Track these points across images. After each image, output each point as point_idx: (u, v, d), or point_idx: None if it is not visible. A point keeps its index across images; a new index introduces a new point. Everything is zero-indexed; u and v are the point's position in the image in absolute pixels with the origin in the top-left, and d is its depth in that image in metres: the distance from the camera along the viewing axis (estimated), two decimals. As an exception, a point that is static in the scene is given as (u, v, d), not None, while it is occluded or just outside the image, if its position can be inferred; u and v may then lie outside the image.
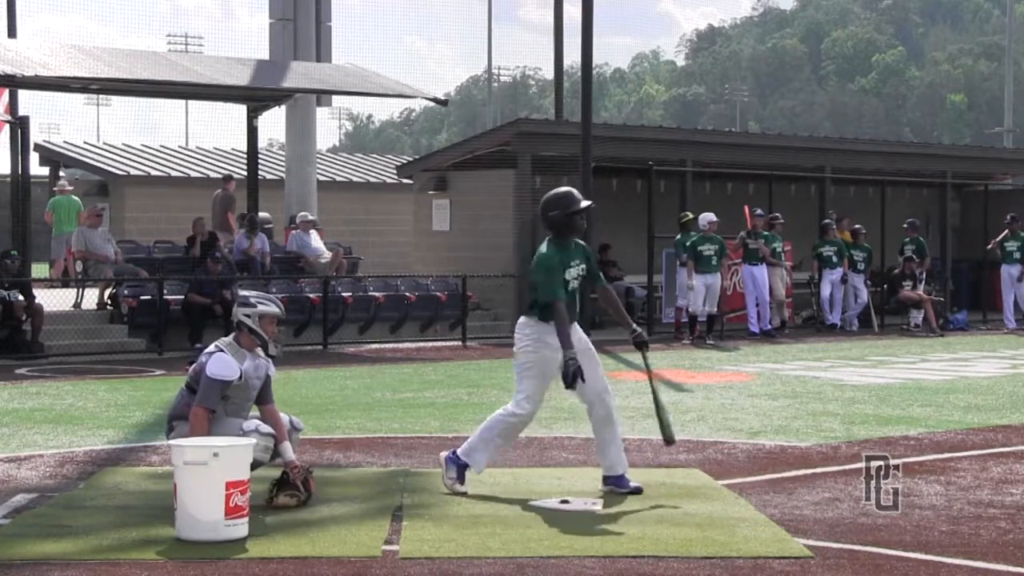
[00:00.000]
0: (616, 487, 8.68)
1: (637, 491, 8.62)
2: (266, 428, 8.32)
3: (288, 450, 8.37)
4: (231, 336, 8.57)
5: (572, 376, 8.40)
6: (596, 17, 23.62)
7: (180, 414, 8.46)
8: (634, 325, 9.02)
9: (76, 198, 24.86)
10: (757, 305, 23.56)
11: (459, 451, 8.73)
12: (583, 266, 8.79)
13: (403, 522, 7.78)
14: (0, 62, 19.94)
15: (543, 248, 8.77)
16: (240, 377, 8.33)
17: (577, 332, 8.72)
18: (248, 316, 8.51)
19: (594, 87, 26.05)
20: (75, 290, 21.40)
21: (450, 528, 7.62)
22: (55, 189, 25.23)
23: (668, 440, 9.04)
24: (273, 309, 8.60)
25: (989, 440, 11.42)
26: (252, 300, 8.61)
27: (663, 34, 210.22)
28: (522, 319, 8.79)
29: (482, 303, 23.83)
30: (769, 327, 23.34)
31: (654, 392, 9.00)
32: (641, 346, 8.97)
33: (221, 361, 8.32)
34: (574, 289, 8.73)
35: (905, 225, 26.48)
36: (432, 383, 15.97)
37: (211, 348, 8.50)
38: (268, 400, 8.59)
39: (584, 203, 8.77)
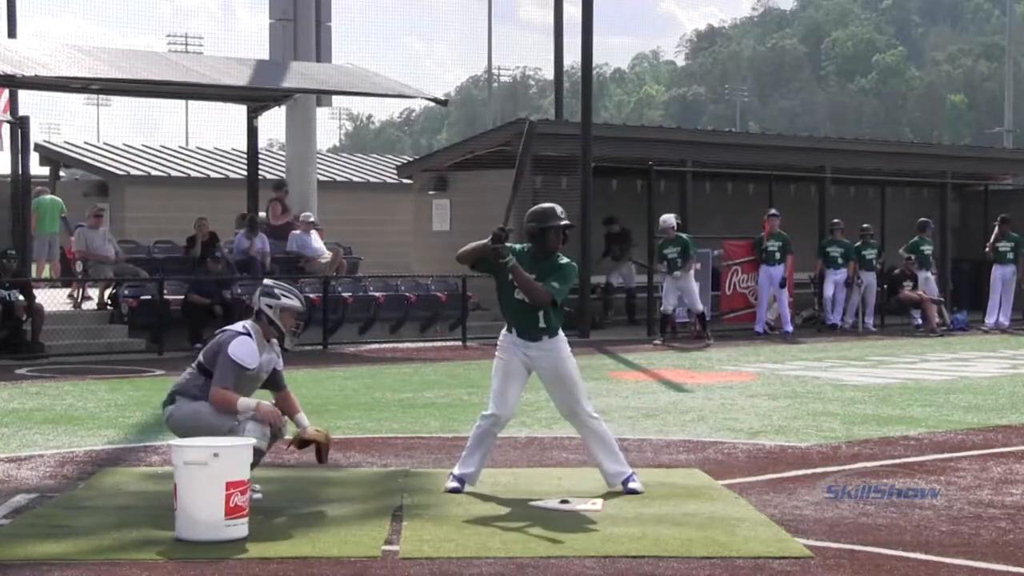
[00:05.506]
0: (624, 487, 8.72)
1: (635, 492, 8.65)
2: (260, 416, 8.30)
3: (303, 420, 8.48)
4: (250, 320, 8.50)
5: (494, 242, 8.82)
6: (596, 17, 23.67)
7: (186, 391, 8.35)
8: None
9: (58, 198, 24.79)
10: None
11: (454, 471, 8.80)
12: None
13: (403, 522, 7.77)
14: (0, 62, 19.94)
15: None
16: (255, 369, 8.31)
17: (553, 351, 8.69)
18: (270, 307, 8.42)
19: (594, 87, 26.04)
20: (74, 290, 21.40)
21: (450, 528, 7.61)
22: (37, 189, 25.04)
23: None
24: (296, 304, 8.52)
25: (989, 440, 11.42)
26: (276, 292, 8.47)
27: (663, 34, 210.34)
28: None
29: (482, 303, 23.77)
30: (790, 329, 23.34)
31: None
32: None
33: (246, 346, 8.24)
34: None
35: (922, 226, 26.23)
36: (432, 383, 15.96)
37: (238, 327, 8.38)
38: (282, 387, 8.60)
39: (561, 222, 8.79)
